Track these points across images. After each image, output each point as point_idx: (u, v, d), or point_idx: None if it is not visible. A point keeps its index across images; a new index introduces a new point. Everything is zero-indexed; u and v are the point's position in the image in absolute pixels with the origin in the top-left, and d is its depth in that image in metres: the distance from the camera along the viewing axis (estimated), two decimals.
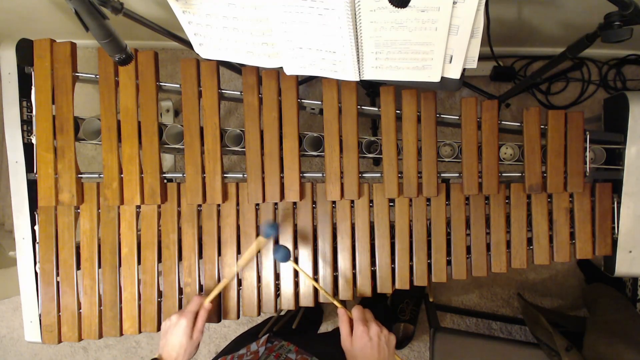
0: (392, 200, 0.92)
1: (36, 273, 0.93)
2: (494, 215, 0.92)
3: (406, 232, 0.92)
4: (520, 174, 0.92)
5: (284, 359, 0.85)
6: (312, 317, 1.59)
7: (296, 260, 0.93)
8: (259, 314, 0.93)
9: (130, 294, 0.92)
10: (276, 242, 0.92)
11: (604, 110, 1.03)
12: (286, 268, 0.92)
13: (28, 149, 0.94)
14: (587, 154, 0.90)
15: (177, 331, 0.78)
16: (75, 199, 0.90)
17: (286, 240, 0.92)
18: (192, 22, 0.78)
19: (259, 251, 0.90)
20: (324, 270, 0.92)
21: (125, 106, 0.90)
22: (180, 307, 0.92)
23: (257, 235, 0.91)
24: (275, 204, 0.92)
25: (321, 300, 0.92)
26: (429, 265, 0.93)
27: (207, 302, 0.84)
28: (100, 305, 0.92)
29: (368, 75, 0.82)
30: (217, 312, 0.92)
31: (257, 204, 0.92)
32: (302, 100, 0.92)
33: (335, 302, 0.85)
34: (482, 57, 0.77)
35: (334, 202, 0.92)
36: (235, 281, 0.92)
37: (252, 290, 0.92)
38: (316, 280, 0.92)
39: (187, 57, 0.93)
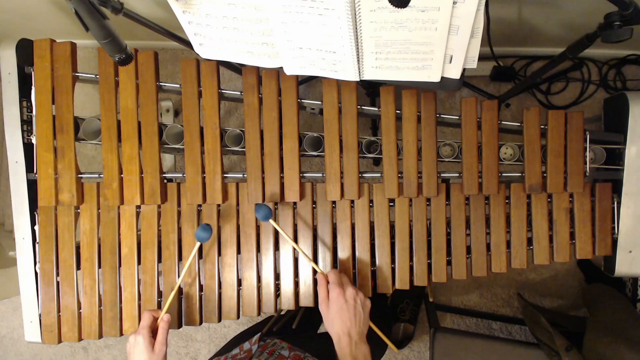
0: (392, 200, 0.92)
1: (36, 273, 0.93)
2: (494, 215, 0.92)
3: (406, 232, 0.92)
4: (520, 174, 0.92)
5: (277, 356, 0.85)
6: (312, 318, 1.59)
7: (296, 261, 0.93)
8: (259, 314, 0.93)
9: (130, 294, 0.92)
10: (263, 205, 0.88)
11: (604, 110, 1.03)
12: (286, 268, 0.92)
13: (28, 149, 0.94)
14: (587, 154, 0.90)
15: (137, 350, 0.77)
16: (75, 199, 0.90)
17: (286, 240, 0.92)
18: (192, 22, 0.78)
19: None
20: (324, 270, 0.92)
21: (125, 106, 0.90)
22: (180, 307, 0.92)
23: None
24: (276, 203, 0.92)
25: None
26: (429, 265, 0.93)
27: (165, 314, 0.82)
28: (100, 305, 0.92)
29: (368, 75, 0.82)
30: (217, 312, 0.92)
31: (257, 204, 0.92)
32: (302, 100, 0.92)
33: (314, 266, 0.87)
34: (482, 57, 0.77)
35: (334, 202, 0.92)
36: (235, 281, 0.92)
37: (252, 290, 0.92)
38: (315, 280, 0.92)
39: (187, 57, 0.94)
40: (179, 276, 0.92)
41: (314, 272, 0.92)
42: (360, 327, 0.76)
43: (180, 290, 0.93)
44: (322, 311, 0.79)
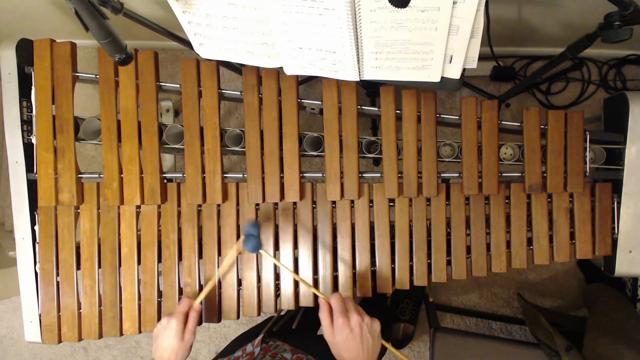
0: (392, 200, 0.92)
1: (36, 273, 0.93)
2: (494, 215, 0.92)
3: (406, 232, 0.92)
4: (520, 174, 0.92)
5: (280, 358, 0.85)
6: (312, 318, 1.59)
7: (296, 261, 0.93)
8: (258, 314, 0.93)
9: (130, 294, 0.92)
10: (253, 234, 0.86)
11: (604, 110, 1.03)
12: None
13: (28, 149, 0.94)
14: (587, 154, 0.90)
15: (168, 333, 0.76)
16: (75, 199, 0.90)
17: (286, 241, 0.92)
18: (192, 22, 0.78)
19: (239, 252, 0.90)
20: (324, 270, 0.92)
21: (125, 106, 0.90)
22: None
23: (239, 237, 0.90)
24: (275, 204, 0.92)
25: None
26: (429, 265, 0.93)
27: (197, 303, 0.82)
28: (100, 305, 0.92)
29: (368, 75, 0.82)
30: (217, 312, 0.92)
31: (257, 204, 0.92)
32: (302, 100, 0.92)
33: (315, 291, 0.83)
34: (482, 57, 0.77)
35: (334, 202, 0.92)
36: (235, 281, 0.92)
37: (252, 290, 0.92)
38: (315, 280, 0.92)
39: (187, 57, 0.94)
40: (178, 278, 0.92)
41: (314, 272, 0.92)
42: (369, 353, 0.72)
43: (180, 290, 0.93)
44: (327, 339, 0.75)
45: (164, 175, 0.92)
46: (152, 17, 0.90)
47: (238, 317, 0.93)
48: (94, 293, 0.92)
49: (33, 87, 0.90)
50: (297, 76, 0.89)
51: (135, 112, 0.90)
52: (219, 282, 0.92)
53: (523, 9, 1.26)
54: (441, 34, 0.71)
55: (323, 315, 0.75)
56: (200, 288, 0.92)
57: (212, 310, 0.92)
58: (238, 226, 0.92)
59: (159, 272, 0.92)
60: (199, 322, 0.91)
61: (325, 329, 0.75)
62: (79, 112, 0.92)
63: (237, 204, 0.92)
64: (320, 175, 0.92)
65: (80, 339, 0.93)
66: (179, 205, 0.93)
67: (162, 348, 0.76)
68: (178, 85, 0.91)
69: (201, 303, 0.84)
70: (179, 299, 0.92)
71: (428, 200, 0.92)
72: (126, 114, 0.90)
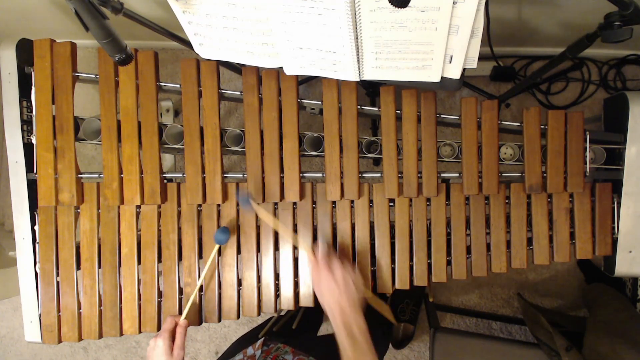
0: (392, 200, 0.92)
1: (36, 273, 0.93)
2: (494, 215, 0.92)
3: (406, 232, 0.92)
4: (520, 174, 0.92)
5: None
6: (312, 318, 1.59)
7: (296, 261, 0.93)
8: (258, 314, 0.93)
9: (130, 294, 0.92)
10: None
11: (604, 110, 1.03)
12: (286, 268, 0.92)
13: (28, 149, 0.94)
14: (587, 154, 0.90)
15: (157, 353, 0.77)
16: (75, 199, 0.90)
17: (286, 240, 0.92)
18: (192, 22, 0.78)
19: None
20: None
21: (125, 106, 0.90)
22: (180, 307, 0.92)
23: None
24: (275, 204, 0.92)
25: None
26: (429, 265, 0.93)
27: (182, 319, 0.83)
28: (100, 305, 0.92)
29: (368, 75, 0.82)
30: (217, 312, 0.92)
31: (257, 204, 0.92)
32: (302, 100, 0.92)
33: (298, 242, 0.87)
34: (482, 57, 0.77)
35: (334, 202, 0.92)
36: (235, 281, 0.92)
37: (252, 290, 0.92)
38: None
39: (187, 57, 0.93)
40: (178, 278, 0.92)
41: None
42: (352, 298, 0.77)
43: (180, 290, 0.93)
44: (315, 290, 0.82)
45: (164, 175, 0.92)
46: (152, 17, 0.90)
47: (238, 317, 0.92)
48: (94, 293, 0.92)
49: (33, 87, 0.90)
50: (297, 76, 0.89)
51: (135, 112, 0.90)
52: (219, 283, 0.92)
53: (523, 9, 1.26)
54: (441, 34, 0.71)
55: (311, 269, 0.84)
56: (200, 288, 0.92)
57: (212, 311, 0.92)
58: (238, 227, 0.92)
59: (159, 272, 0.93)
60: (199, 323, 0.91)
61: (313, 282, 0.83)
62: (79, 112, 0.92)
63: (237, 204, 0.92)
64: (320, 175, 0.92)
65: (80, 339, 0.93)
66: (179, 205, 0.93)
67: None
68: (178, 85, 0.91)
69: (186, 318, 0.85)
70: (179, 299, 0.92)
71: (428, 200, 0.92)
72: (126, 114, 0.90)
